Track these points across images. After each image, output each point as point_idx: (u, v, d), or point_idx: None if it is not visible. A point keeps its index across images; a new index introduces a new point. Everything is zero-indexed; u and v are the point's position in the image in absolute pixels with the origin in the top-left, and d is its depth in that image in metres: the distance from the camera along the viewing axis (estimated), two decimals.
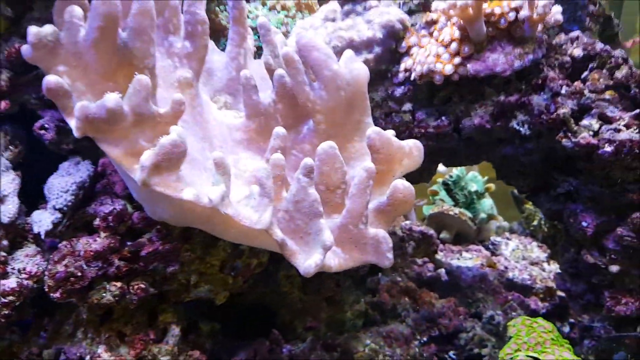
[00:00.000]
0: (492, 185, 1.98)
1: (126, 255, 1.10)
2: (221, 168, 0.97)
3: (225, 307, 1.70)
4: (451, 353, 1.60)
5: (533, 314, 1.70)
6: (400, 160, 1.17)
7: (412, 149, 1.18)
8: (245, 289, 1.65)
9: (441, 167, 2.05)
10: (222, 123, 1.23)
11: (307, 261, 1.03)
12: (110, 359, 1.13)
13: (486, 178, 2.04)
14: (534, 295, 1.75)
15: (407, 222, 1.93)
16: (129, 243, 1.12)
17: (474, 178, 2.01)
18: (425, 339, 1.62)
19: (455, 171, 2.00)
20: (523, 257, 1.88)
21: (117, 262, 1.10)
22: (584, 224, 1.28)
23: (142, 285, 1.13)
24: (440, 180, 2.04)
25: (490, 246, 1.97)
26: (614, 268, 1.29)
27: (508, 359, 1.22)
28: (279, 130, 1.11)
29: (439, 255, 1.87)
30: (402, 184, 1.10)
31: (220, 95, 1.29)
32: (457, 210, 1.88)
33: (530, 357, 1.19)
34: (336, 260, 1.13)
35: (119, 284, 1.10)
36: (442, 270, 1.80)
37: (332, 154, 1.11)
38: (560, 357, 1.22)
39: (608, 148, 1.13)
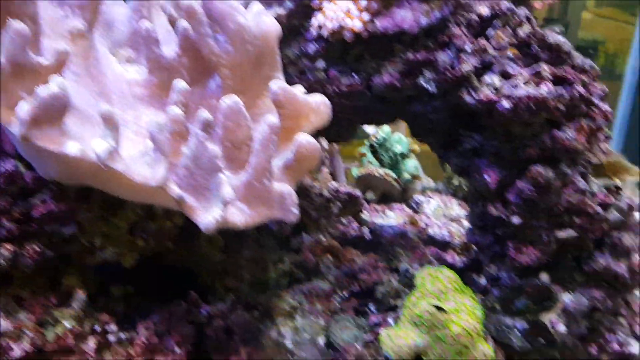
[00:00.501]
0: (416, 147, 2.02)
1: (17, 217, 1.06)
2: (109, 122, 0.93)
3: (143, 270, 1.68)
4: (371, 306, 1.65)
5: (449, 267, 1.76)
6: (307, 116, 1.17)
7: (319, 105, 1.18)
8: (162, 252, 1.64)
9: (371, 129, 2.08)
10: (123, 78, 1.18)
11: (206, 217, 1.02)
12: (8, 325, 1.09)
13: (410, 139, 2.07)
14: (451, 250, 1.82)
15: (335, 183, 1.95)
16: (20, 204, 1.07)
17: (399, 140, 2.04)
18: (346, 294, 1.66)
19: (382, 133, 2.02)
20: (444, 215, 1.94)
21: (7, 225, 1.05)
22: (487, 178, 1.32)
23: (37, 248, 1.09)
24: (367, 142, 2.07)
25: (414, 205, 2.02)
26: (516, 220, 1.35)
27: (411, 306, 1.26)
28: (179, 83, 1.08)
29: (364, 215, 1.91)
30: (306, 139, 1.10)
31: (121, 49, 1.24)
32: (382, 171, 1.91)
33: (432, 305, 1.24)
34: (242, 217, 1.13)
35: (10, 247, 1.06)
36: (366, 229, 1.83)
37: (236, 109, 1.09)
38: (462, 303, 1.27)
39: (506, 104, 1.16)
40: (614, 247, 1.43)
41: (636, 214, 1.49)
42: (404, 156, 1.98)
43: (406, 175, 1.94)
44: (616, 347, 1.58)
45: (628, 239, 1.41)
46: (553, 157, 1.25)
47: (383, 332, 1.30)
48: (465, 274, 1.72)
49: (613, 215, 1.39)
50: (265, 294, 1.67)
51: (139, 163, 0.99)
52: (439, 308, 1.23)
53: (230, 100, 1.08)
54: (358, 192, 1.86)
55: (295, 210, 1.14)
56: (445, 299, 1.28)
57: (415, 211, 1.98)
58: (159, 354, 1.43)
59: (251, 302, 1.65)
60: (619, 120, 3.27)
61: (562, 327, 1.44)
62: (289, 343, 1.52)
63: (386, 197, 2.00)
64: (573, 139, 1.19)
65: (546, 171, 1.25)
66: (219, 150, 1.05)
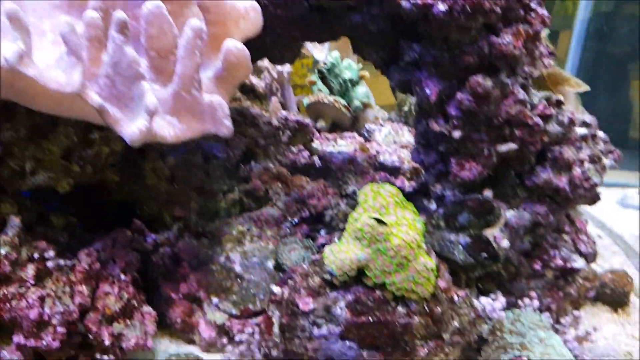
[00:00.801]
0: (366, 73, 1.98)
1: None
2: (16, 22, 0.87)
3: (89, 204, 1.65)
4: (322, 231, 1.66)
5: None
6: (236, 22, 1.11)
7: (248, 10, 1.12)
8: (108, 184, 1.60)
9: (319, 56, 2.02)
10: None
11: (130, 127, 0.98)
12: None
13: (360, 66, 2.03)
14: (402, 175, 1.82)
15: (284, 112, 1.91)
16: None
17: (349, 66, 2.00)
18: (296, 220, 1.65)
19: (330, 59, 1.98)
20: (394, 142, 1.93)
21: None
22: (427, 90, 1.30)
23: None
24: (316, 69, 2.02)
25: (365, 133, 2.00)
26: (457, 134, 1.34)
27: (353, 222, 1.26)
28: None
29: (315, 144, 1.89)
30: (234, 45, 1.05)
31: None
32: (331, 98, 1.88)
33: (373, 218, 1.24)
34: (172, 131, 1.09)
35: None
36: (317, 157, 1.82)
37: (158, 14, 1.03)
38: (402, 217, 1.28)
39: (442, 6, 1.13)
40: (555, 160, 1.45)
41: (577, 128, 1.50)
42: (353, 83, 1.94)
43: (356, 103, 1.91)
44: (560, 262, 1.63)
45: (569, 153, 1.43)
46: (492, 66, 1.23)
47: (326, 249, 1.30)
48: (416, 198, 1.74)
49: (553, 127, 1.40)
50: (214, 222, 1.66)
51: (54, 69, 0.94)
52: (379, 221, 1.24)
53: (151, 4, 1.02)
54: (307, 120, 1.84)
55: (228, 123, 1.11)
56: (386, 213, 1.28)
57: (367, 139, 1.97)
58: (103, 281, 1.41)
59: (200, 230, 1.63)
60: (569, 69, 3.37)
61: (505, 242, 1.47)
62: (237, 267, 1.52)
63: (337, 126, 1.98)
64: (510, 44, 1.17)
65: (485, 80, 1.23)
66: (141, 57, 1.00)
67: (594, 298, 1.93)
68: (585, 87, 1.38)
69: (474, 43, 1.20)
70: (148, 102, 0.96)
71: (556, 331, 1.59)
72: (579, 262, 1.64)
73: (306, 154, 1.80)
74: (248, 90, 2.01)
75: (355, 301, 1.31)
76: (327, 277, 1.31)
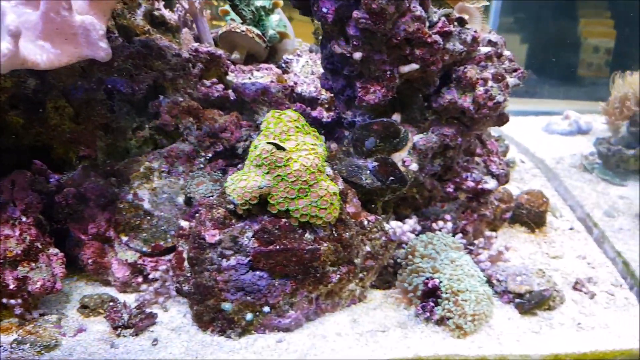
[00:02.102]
0: (280, 1, 1.90)
1: None
2: None
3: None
4: (240, 165, 1.63)
5: (315, 121, 1.75)
6: None
7: None
8: (14, 129, 1.51)
9: None
10: None
11: None
12: None
13: None
14: (320, 106, 1.79)
15: (196, 44, 1.82)
16: None
17: None
18: (210, 154, 1.61)
19: None
20: (312, 72, 1.89)
21: None
22: (324, 9, 1.26)
23: None
24: None
25: (283, 64, 1.94)
26: (357, 55, 1.31)
27: (254, 149, 1.24)
28: None
29: (230, 76, 1.82)
30: None
31: None
32: (243, 27, 1.80)
33: (271, 143, 1.22)
34: (45, 56, 1.02)
35: None
36: (231, 90, 1.76)
37: None
38: (303, 142, 1.26)
39: None
40: (459, 80, 1.45)
41: (482, 48, 1.50)
42: (266, 11, 1.86)
43: (271, 32, 1.84)
44: (471, 184, 1.67)
45: (472, 72, 1.43)
46: None
47: (228, 179, 1.28)
48: (333, 127, 1.72)
49: (455, 46, 1.39)
50: (123, 160, 1.60)
51: None
52: (278, 146, 1.21)
53: None
54: (220, 52, 1.76)
55: (104, 45, 1.04)
56: (287, 139, 1.26)
57: (284, 70, 1.91)
58: (3, 224, 1.35)
59: (108, 169, 1.57)
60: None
61: (414, 166, 1.48)
62: (146, 205, 1.49)
63: (254, 57, 1.91)
64: None
65: None
66: None
67: (511, 219, 2.01)
68: (484, 2, 1.36)
69: None
70: (9, 21, 0.88)
71: (470, 252, 1.65)
72: (490, 183, 1.68)
73: (220, 86, 1.74)
74: (158, 23, 1.90)
75: (262, 230, 1.31)
76: (231, 207, 1.29)
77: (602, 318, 1.50)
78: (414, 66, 1.35)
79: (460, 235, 1.63)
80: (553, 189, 2.29)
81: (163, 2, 1.84)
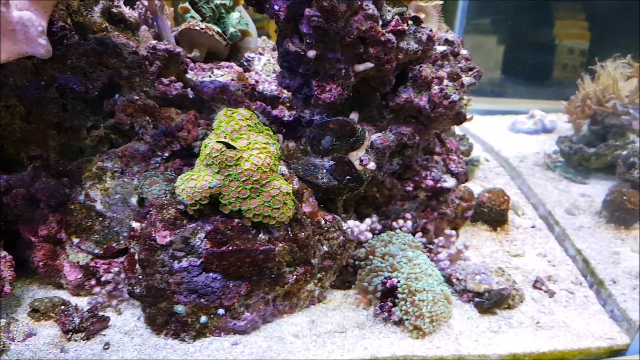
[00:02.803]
0: None
1: None
2: None
3: None
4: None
5: (276, 120, 1.73)
6: None
7: None
8: None
9: None
10: None
11: None
12: None
13: None
14: (281, 104, 1.78)
15: (154, 41, 1.79)
16: None
17: None
18: (167, 154, 1.58)
19: None
20: (274, 71, 1.87)
21: None
22: (276, 7, 1.24)
23: None
24: None
25: (245, 63, 1.92)
26: (311, 53, 1.30)
27: (204, 148, 1.21)
28: None
29: (190, 74, 1.79)
30: None
31: None
32: (203, 24, 1.77)
33: (222, 142, 1.19)
34: None
35: None
36: (190, 89, 1.73)
37: None
38: (255, 141, 1.24)
39: None
40: (414, 79, 1.44)
41: (438, 46, 1.50)
42: (227, 8, 1.83)
43: (231, 29, 1.81)
44: (430, 182, 1.67)
45: (427, 71, 1.43)
46: None
47: (178, 178, 1.25)
48: (294, 125, 1.70)
49: (410, 44, 1.38)
50: (76, 160, 1.56)
51: None
52: (228, 145, 1.19)
53: None
54: (178, 49, 1.73)
55: (44, 42, 1.01)
56: (238, 138, 1.23)
57: (246, 68, 1.89)
58: None
59: (60, 170, 1.53)
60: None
61: (372, 164, 1.47)
62: (98, 206, 1.45)
63: (215, 55, 1.88)
64: None
65: None
66: None
67: (473, 218, 2.01)
68: (439, 0, 1.35)
69: None
70: None
71: (430, 251, 1.65)
72: (449, 182, 1.68)
73: (179, 85, 1.71)
74: (117, 20, 1.86)
75: (214, 231, 1.28)
76: (182, 207, 1.27)
77: (561, 317, 1.51)
78: (369, 65, 1.35)
79: (420, 234, 1.63)
80: (516, 187, 2.30)
81: (123, 0, 1.81)
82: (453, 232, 1.66)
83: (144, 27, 1.79)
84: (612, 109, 2.16)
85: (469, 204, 1.86)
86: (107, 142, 1.64)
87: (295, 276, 1.37)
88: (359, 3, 1.23)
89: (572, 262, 1.81)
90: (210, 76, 1.79)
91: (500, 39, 4.01)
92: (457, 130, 2.88)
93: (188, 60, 1.81)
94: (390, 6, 1.36)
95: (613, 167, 2.17)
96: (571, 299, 1.61)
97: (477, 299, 1.50)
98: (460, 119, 1.59)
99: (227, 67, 1.81)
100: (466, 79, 1.48)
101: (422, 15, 1.52)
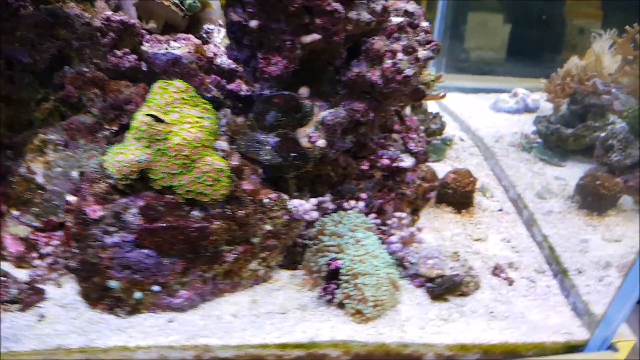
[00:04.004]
0: None
1: None
2: None
3: None
4: None
5: (230, 94, 1.68)
6: None
7: None
8: None
9: None
10: None
11: None
12: None
13: None
14: (238, 78, 1.72)
15: (109, 12, 1.73)
16: None
17: None
18: (115, 128, 1.54)
19: None
20: None
21: None
22: None
23: None
24: None
25: (204, 35, 1.86)
26: (254, 23, 1.24)
27: (133, 121, 1.17)
28: None
29: (145, 47, 1.74)
30: None
31: None
32: None
33: (150, 115, 1.15)
34: None
35: None
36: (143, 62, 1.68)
37: None
38: (188, 115, 1.20)
39: None
40: (367, 53, 1.38)
41: (394, 18, 1.43)
42: None
43: (190, 0, 1.76)
44: (387, 162, 1.61)
45: (380, 44, 1.36)
46: None
47: (107, 152, 1.21)
48: (253, 101, 1.65)
49: (360, 15, 1.31)
50: (22, 133, 1.52)
51: None
52: (157, 119, 1.15)
53: None
54: (133, 21, 1.68)
55: None
56: (171, 111, 1.19)
57: (205, 41, 1.83)
58: None
59: (7, 142, 1.50)
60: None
61: (321, 142, 1.42)
62: (39, 178, 1.42)
63: (173, 27, 1.83)
64: None
65: None
66: None
67: (438, 199, 1.96)
68: None
69: None
70: None
71: (383, 233, 1.60)
72: (407, 161, 1.62)
73: (133, 57, 1.66)
74: None
75: (146, 207, 1.24)
76: (112, 182, 1.23)
77: (518, 307, 1.44)
78: (316, 36, 1.29)
79: (373, 215, 1.58)
80: (489, 168, 2.24)
81: None
82: (404, 214, 1.61)
83: None
84: (593, 87, 2.07)
85: (431, 185, 1.80)
86: (58, 115, 1.61)
87: (234, 255, 1.34)
88: None
89: (537, 248, 1.75)
90: (166, 48, 1.73)
91: (507, 17, 3.89)
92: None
93: (144, 32, 1.75)
94: None
95: (592, 149, 2.09)
96: (532, 288, 1.55)
97: (428, 285, 1.46)
98: (418, 95, 1.53)
99: (184, 39, 1.76)
100: (423, 53, 1.41)
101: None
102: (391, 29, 1.41)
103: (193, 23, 1.88)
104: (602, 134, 2.02)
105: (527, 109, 2.79)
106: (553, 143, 2.22)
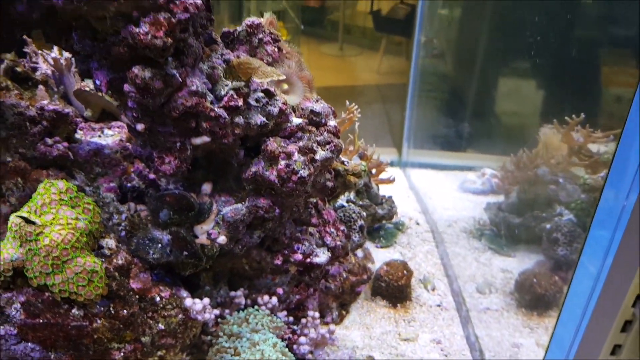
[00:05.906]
0: None
1: None
2: None
3: None
4: None
5: (152, 183, 1.69)
6: None
7: None
8: None
9: None
10: None
11: None
12: None
13: None
14: None
15: (44, 101, 1.81)
16: None
17: None
18: None
19: None
20: None
21: None
22: (97, 82, 1.23)
23: None
24: None
25: None
26: (140, 126, 1.27)
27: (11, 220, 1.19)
28: None
29: (79, 134, 1.79)
30: None
31: None
32: (92, 85, 1.78)
33: (21, 217, 1.17)
34: None
35: None
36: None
37: None
38: (62, 216, 1.21)
39: None
40: (264, 153, 1.39)
41: (295, 119, 1.44)
42: None
43: None
44: (299, 257, 1.58)
45: (274, 145, 1.37)
46: (155, 57, 1.15)
47: None
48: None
49: (249, 119, 1.33)
50: None
51: None
52: (27, 220, 1.16)
53: None
54: (67, 110, 1.74)
55: None
56: (46, 212, 1.20)
57: None
58: None
59: None
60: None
61: (222, 238, 1.40)
62: None
63: (109, 115, 1.89)
64: (149, 34, 1.09)
65: (143, 72, 1.16)
66: None
67: (373, 292, 1.89)
68: (278, 77, 1.30)
69: (117, 34, 1.12)
70: None
71: (293, 333, 1.55)
72: (321, 257, 1.59)
73: (62, 145, 1.70)
74: (22, 78, 1.90)
75: (27, 302, 1.24)
76: None
77: None
78: (205, 139, 1.30)
79: (284, 313, 1.54)
80: (438, 255, 2.17)
81: (41, 56, 1.86)
82: (316, 314, 1.55)
83: (41, 87, 1.82)
84: (540, 176, 2.02)
85: (358, 279, 1.76)
86: None
87: (123, 353, 1.31)
88: (180, 80, 1.20)
89: (469, 351, 1.66)
90: (99, 136, 1.78)
91: (540, 83, 3.83)
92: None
93: (78, 120, 1.81)
94: (230, 80, 1.32)
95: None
96: None
97: None
98: (326, 191, 1.52)
99: (118, 127, 1.81)
100: (320, 153, 1.41)
101: (285, 87, 1.48)
102: (291, 130, 1.42)
103: None
104: (547, 226, 1.95)
105: (493, 191, 2.71)
106: (503, 231, 2.15)
